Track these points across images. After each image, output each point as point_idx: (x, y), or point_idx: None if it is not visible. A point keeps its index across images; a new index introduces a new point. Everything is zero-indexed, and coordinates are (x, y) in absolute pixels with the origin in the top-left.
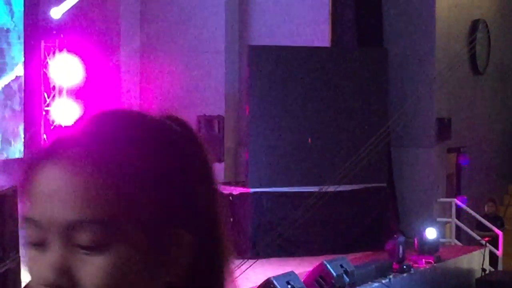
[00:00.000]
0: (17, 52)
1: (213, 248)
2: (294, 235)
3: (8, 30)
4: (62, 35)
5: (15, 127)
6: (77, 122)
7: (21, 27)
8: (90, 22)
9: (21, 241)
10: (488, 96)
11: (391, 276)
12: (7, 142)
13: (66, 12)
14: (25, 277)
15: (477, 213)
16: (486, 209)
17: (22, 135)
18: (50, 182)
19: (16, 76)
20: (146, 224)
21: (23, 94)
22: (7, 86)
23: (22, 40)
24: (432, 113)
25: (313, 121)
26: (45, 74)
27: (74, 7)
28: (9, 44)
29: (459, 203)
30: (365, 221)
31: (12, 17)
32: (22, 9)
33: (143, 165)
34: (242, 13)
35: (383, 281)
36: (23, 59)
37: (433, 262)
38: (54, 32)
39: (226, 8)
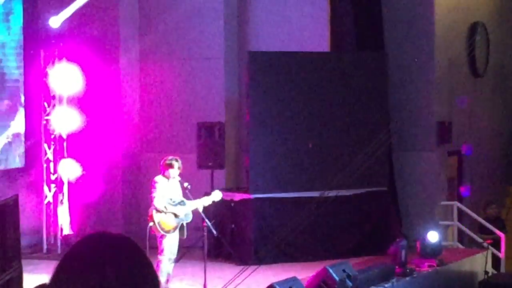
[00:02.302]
0: (14, 69)
1: None
2: (296, 240)
3: (4, 45)
4: (61, 44)
5: (15, 135)
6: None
7: (18, 38)
8: (89, 30)
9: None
10: (488, 98)
11: (393, 280)
12: (7, 151)
13: (65, 21)
14: (27, 286)
15: (478, 215)
16: (487, 211)
17: (23, 144)
18: None
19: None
20: None
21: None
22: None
23: (19, 51)
24: (432, 116)
25: (313, 126)
26: (44, 83)
27: (73, 16)
28: (5, 55)
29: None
30: (367, 226)
31: (9, 32)
32: (21, 23)
33: None
34: (241, 19)
35: (386, 285)
36: (19, 71)
37: (435, 266)
38: (53, 41)
39: (224, 15)
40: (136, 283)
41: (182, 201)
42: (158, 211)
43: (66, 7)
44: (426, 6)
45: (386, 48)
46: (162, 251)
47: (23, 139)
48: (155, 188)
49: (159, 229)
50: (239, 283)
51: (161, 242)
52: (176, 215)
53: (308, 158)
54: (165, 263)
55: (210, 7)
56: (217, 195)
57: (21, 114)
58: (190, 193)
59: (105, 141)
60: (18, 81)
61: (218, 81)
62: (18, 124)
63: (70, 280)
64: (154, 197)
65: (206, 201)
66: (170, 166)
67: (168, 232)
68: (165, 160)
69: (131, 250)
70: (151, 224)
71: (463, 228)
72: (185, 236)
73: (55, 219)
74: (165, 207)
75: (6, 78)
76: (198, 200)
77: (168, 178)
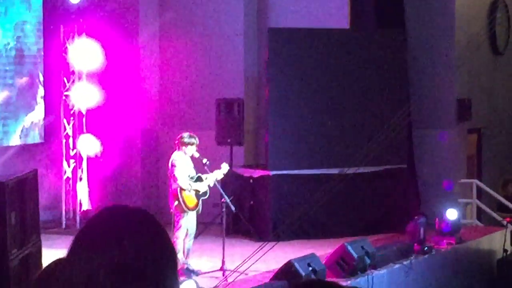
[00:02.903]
0: (32, 45)
1: None
2: (315, 217)
3: (24, 22)
4: (81, 20)
5: (36, 110)
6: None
7: (38, 14)
8: (109, 5)
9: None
10: (508, 76)
11: (412, 258)
12: (28, 125)
13: None
14: (46, 261)
15: (497, 193)
16: (506, 189)
17: (42, 119)
18: None
19: (35, 62)
20: None
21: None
22: (29, 70)
23: (39, 27)
24: (452, 94)
25: (333, 103)
26: (64, 59)
27: None
28: (24, 31)
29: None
30: (386, 203)
31: (29, 9)
32: (41, 2)
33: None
34: None
35: (404, 263)
36: (37, 46)
37: (454, 243)
38: (73, 16)
39: None
40: (154, 256)
41: (199, 176)
42: (182, 189)
43: None
44: None
45: (406, 25)
46: (179, 228)
47: (42, 114)
48: (176, 166)
49: (184, 207)
50: (258, 259)
51: (179, 219)
52: (197, 192)
53: (327, 135)
54: (181, 240)
55: None
56: (225, 168)
57: (40, 91)
58: (209, 169)
59: (124, 117)
60: (37, 57)
61: (237, 58)
62: (38, 101)
63: (88, 253)
64: (178, 175)
65: (218, 175)
66: (190, 143)
67: (192, 209)
68: (183, 137)
69: (149, 223)
70: (176, 202)
71: (482, 206)
72: (199, 212)
73: (74, 195)
74: (189, 184)
75: (25, 54)
76: (210, 174)
77: (185, 154)
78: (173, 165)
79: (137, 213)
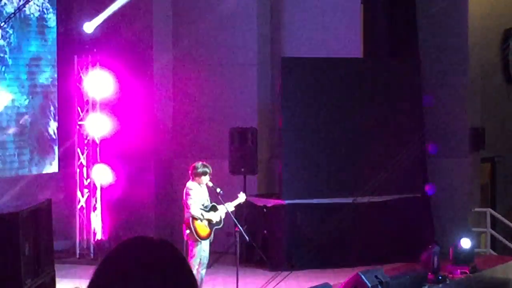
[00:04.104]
0: (47, 75)
1: None
2: (329, 246)
3: (39, 55)
4: (95, 50)
5: (49, 140)
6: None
7: (53, 45)
8: (122, 36)
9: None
10: None
11: (426, 287)
12: (42, 155)
13: (98, 26)
14: None
15: (511, 222)
16: None
17: (56, 149)
18: None
19: (47, 91)
20: None
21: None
22: (42, 101)
23: (54, 56)
24: (465, 123)
25: (346, 132)
26: (78, 89)
27: (106, 21)
28: (40, 70)
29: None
30: (400, 232)
31: (45, 43)
32: (55, 30)
33: None
34: (274, 26)
35: None
36: (52, 77)
37: (468, 272)
38: (87, 46)
39: (258, 20)
40: (178, 287)
41: (214, 205)
42: (194, 218)
43: (100, 12)
44: (459, 13)
45: (419, 54)
46: (192, 257)
47: (56, 144)
48: (190, 195)
49: (196, 236)
50: None
51: (193, 248)
52: (210, 222)
53: (341, 164)
54: (195, 269)
55: (244, 14)
56: (242, 197)
57: (52, 123)
58: (222, 199)
59: (137, 147)
60: (50, 87)
61: (251, 87)
62: (51, 135)
63: (112, 283)
64: (191, 204)
65: (233, 204)
66: (204, 173)
67: (204, 238)
68: (196, 168)
69: (173, 256)
70: (187, 231)
71: (496, 235)
72: (212, 241)
73: (88, 224)
74: (202, 214)
75: (38, 85)
76: (228, 204)
77: (199, 183)
78: (187, 194)
79: (162, 245)
